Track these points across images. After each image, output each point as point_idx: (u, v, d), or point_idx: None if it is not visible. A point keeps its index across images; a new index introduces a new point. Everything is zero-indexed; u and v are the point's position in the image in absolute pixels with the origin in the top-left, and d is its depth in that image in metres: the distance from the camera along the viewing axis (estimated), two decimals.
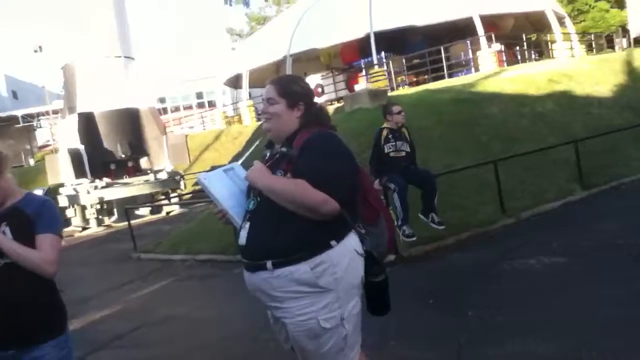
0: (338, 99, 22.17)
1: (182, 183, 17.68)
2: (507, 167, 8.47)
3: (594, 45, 28.57)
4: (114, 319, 6.31)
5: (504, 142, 10.05)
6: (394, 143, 6.46)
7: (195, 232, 9.81)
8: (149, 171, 17.41)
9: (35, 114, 41.67)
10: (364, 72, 22.97)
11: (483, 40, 21.11)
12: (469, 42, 21.54)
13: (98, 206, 15.73)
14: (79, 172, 15.76)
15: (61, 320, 2.48)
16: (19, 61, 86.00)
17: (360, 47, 23.73)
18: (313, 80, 24.16)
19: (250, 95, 28.49)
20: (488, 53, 20.56)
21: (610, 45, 30.16)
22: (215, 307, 6.18)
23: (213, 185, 2.37)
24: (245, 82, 27.40)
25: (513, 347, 3.85)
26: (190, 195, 16.45)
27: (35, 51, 38.87)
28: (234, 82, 30.16)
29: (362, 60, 23.64)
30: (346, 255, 2.20)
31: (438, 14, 21.74)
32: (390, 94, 15.82)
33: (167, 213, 16.13)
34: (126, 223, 11.44)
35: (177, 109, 43.73)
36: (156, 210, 16.24)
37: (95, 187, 15.73)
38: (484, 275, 5.64)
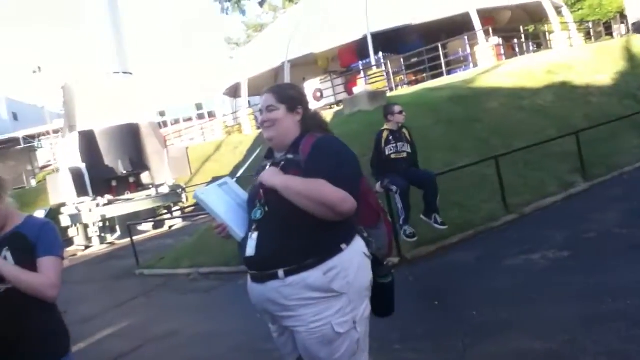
0: (337, 102, 22.12)
1: (184, 196, 17.65)
2: (508, 163, 8.37)
3: (592, 34, 28.42)
4: (117, 337, 6.24)
5: (504, 137, 9.96)
6: (394, 144, 6.41)
7: (198, 245, 9.75)
8: (150, 186, 17.40)
9: (36, 134, 41.86)
10: (362, 74, 22.92)
11: (480, 35, 21.00)
12: (466, 37, 21.43)
13: (100, 224, 15.71)
14: (81, 191, 15.76)
15: (64, 344, 2.44)
16: (19, 83, 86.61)
17: (357, 49, 23.69)
18: (312, 84, 24.12)
19: (249, 104, 28.50)
20: (486, 47, 20.43)
21: (609, 32, 30.00)
22: (220, 320, 6.11)
23: (211, 200, 2.36)
24: (244, 90, 27.41)
25: (519, 344, 3.79)
26: (192, 208, 16.40)
27: (34, 72, 39.05)
28: (233, 92, 30.19)
29: (360, 62, 23.60)
30: (356, 258, 2.21)
31: (434, 11, 21.65)
32: (389, 94, 15.75)
33: (170, 227, 16.08)
34: (129, 239, 11.40)
35: (177, 122, 43.79)
36: (159, 224, 16.20)
37: (97, 205, 15.71)
38: (488, 274, 5.56)
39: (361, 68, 23.28)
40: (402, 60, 22.41)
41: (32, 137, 41.78)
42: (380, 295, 2.36)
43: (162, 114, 43.20)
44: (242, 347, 4.95)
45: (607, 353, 3.38)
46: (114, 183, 16.74)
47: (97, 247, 15.48)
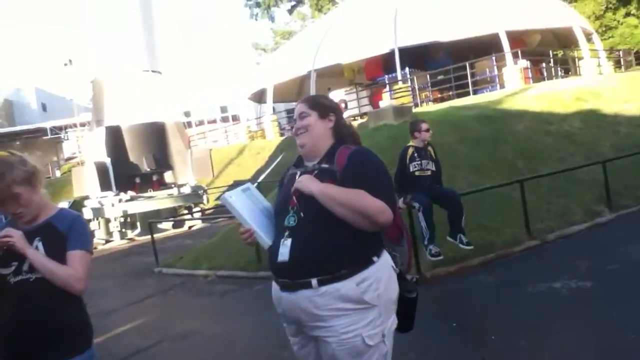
0: (361, 115, 22.17)
1: (205, 197, 17.78)
2: (533, 187, 8.33)
3: (622, 62, 28.18)
4: (135, 333, 6.32)
5: (529, 160, 9.90)
6: (419, 162, 6.41)
7: (216, 248, 9.82)
8: (172, 185, 17.56)
9: (63, 126, 42.48)
10: (387, 88, 22.96)
11: (509, 57, 20.97)
12: (494, 58, 21.40)
13: (122, 219, 15.88)
14: (105, 185, 15.95)
15: (88, 336, 2.48)
16: (49, 74, 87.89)
17: (384, 63, 23.74)
18: (337, 95, 24.20)
19: (274, 110, 28.67)
20: (514, 70, 20.38)
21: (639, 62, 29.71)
22: (235, 324, 6.15)
23: (238, 204, 2.37)
24: (269, 96, 27.57)
25: None
26: (213, 210, 16.50)
27: (65, 64, 39.66)
28: (258, 97, 30.38)
29: (386, 76, 23.65)
30: (386, 271, 2.24)
31: (463, 30, 21.63)
32: (414, 110, 15.76)
33: (190, 227, 16.20)
34: (149, 237, 11.51)
35: (201, 123, 44.16)
36: (179, 224, 16.33)
37: (120, 200, 15.88)
38: (508, 298, 5.53)
39: (387, 82, 23.33)
40: (428, 76, 22.44)
41: (60, 128, 42.42)
42: (404, 309, 2.37)
43: (187, 114, 43.59)
44: (255, 353, 4.99)
45: None
46: (137, 180, 16.91)
47: (117, 242, 15.65)
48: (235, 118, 43.01)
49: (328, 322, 2.16)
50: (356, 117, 22.21)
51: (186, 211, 17.18)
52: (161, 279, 9.43)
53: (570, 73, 25.00)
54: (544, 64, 23.05)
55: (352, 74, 26.80)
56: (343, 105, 23.33)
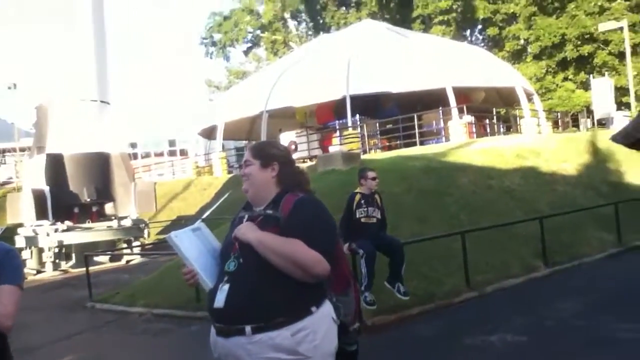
0: (311, 157, 22.35)
1: (146, 231, 17.31)
2: (474, 239, 8.53)
3: (560, 123, 29.68)
4: None
5: (471, 213, 10.18)
6: (365, 208, 6.46)
7: (155, 284, 9.53)
8: (113, 217, 17.01)
9: (1, 149, 40.93)
10: (337, 133, 23.31)
11: (455, 111, 21.74)
12: (441, 111, 22.15)
13: (56, 250, 15.24)
14: (41, 214, 15.31)
15: None
16: None
17: (335, 109, 24.14)
18: (287, 136, 24.39)
19: (223, 147, 28.53)
20: (459, 124, 21.14)
21: (576, 123, 31.36)
22: None
23: (184, 245, 2.33)
24: (219, 133, 27.48)
25: None
26: (153, 244, 16.07)
27: (9, 88, 38.46)
28: (209, 133, 30.23)
29: (337, 122, 24.03)
30: (324, 322, 2.20)
31: (412, 83, 22.38)
32: (362, 156, 16.02)
33: (127, 262, 15.66)
34: (83, 269, 11.07)
35: (147, 155, 43.46)
36: (116, 258, 15.78)
37: (56, 230, 15.26)
38: (445, 350, 5.59)
39: (337, 127, 23.70)
40: (377, 125, 22.97)
41: None
42: None
43: (133, 145, 42.81)
44: None
45: None
46: (76, 210, 16.29)
47: (49, 273, 14.94)
48: (183, 152, 42.54)
49: None
50: (305, 160, 22.38)
51: (125, 245, 16.64)
52: (94, 314, 9.05)
53: (511, 130, 26.13)
54: (487, 120, 24.01)
55: (303, 117, 27.11)
56: (293, 147, 23.48)
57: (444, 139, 21.47)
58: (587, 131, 23.56)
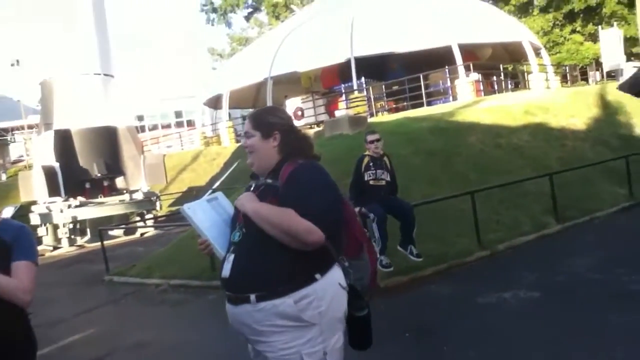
0: (318, 123, 22.27)
1: (158, 204, 17.46)
2: (484, 199, 8.55)
3: (568, 77, 29.27)
4: (84, 344, 6.15)
5: (480, 172, 10.16)
6: (374, 171, 6.48)
7: (169, 256, 9.66)
8: (124, 191, 17.16)
9: (9, 128, 41.04)
10: (343, 97, 23.14)
11: (461, 70, 21.47)
12: (447, 70, 21.88)
13: (71, 225, 15.43)
14: (53, 190, 15.46)
15: (32, 350, 2.40)
16: None
17: (340, 72, 23.93)
18: (293, 103, 24.26)
19: (230, 116, 28.43)
20: (466, 82, 20.90)
21: (584, 77, 30.92)
22: (187, 334, 6.05)
23: (196, 216, 2.36)
24: (225, 103, 27.35)
25: None
26: (166, 217, 16.23)
27: (12, 65, 38.34)
28: (214, 103, 30.10)
29: (342, 85, 23.84)
30: (330, 288, 2.20)
31: (418, 42, 22.04)
32: (369, 119, 15.94)
33: (142, 234, 15.88)
34: (99, 243, 11.23)
35: (155, 128, 43.41)
36: (130, 231, 15.98)
37: (69, 206, 15.44)
38: (459, 309, 5.64)
39: (343, 91, 23.52)
40: (383, 87, 22.76)
41: (6, 130, 40.94)
42: (356, 328, 2.35)
43: (140, 118, 42.76)
44: None
45: None
46: (87, 185, 16.43)
47: (65, 249, 15.18)
48: (190, 123, 42.45)
49: (268, 337, 2.17)
50: (312, 126, 22.30)
51: (138, 218, 16.82)
52: (112, 287, 9.21)
53: (519, 86, 25.82)
54: (494, 77, 23.71)
55: (309, 82, 26.90)
56: (300, 113, 23.38)
57: (451, 98, 21.25)
58: (596, 84, 23.23)
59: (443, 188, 9.13)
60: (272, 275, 2.13)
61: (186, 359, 5.23)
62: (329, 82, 25.48)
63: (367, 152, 6.60)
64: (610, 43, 26.13)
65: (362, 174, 6.47)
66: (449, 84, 22.07)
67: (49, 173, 15.53)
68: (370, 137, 6.56)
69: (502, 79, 24.10)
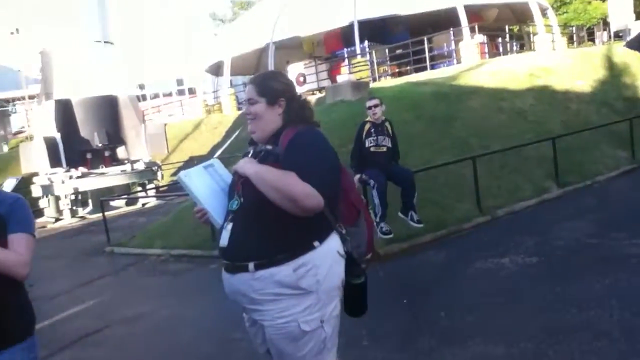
0: (320, 89, 22.03)
1: (159, 174, 17.43)
2: (485, 164, 8.47)
3: (575, 38, 28.72)
4: (85, 316, 6.19)
5: (482, 137, 10.05)
6: (375, 137, 6.42)
7: (171, 226, 9.67)
8: (126, 161, 17.11)
9: (10, 98, 40.89)
10: (346, 62, 22.83)
11: (466, 32, 21.07)
12: (452, 32, 21.46)
13: (72, 197, 15.45)
14: (54, 161, 15.45)
15: (30, 323, 2.38)
16: None
17: (343, 36, 23.57)
18: (295, 68, 23.94)
19: (231, 84, 28.15)
20: (471, 44, 20.50)
21: (591, 38, 30.33)
22: (189, 305, 6.08)
23: (193, 183, 2.32)
24: (227, 69, 27.04)
25: (483, 349, 3.86)
26: (167, 186, 16.23)
27: (12, 33, 37.95)
28: (216, 69, 29.79)
29: (345, 50, 23.47)
30: (328, 256, 2.19)
31: (422, 3, 21.64)
32: (372, 84, 15.75)
33: (143, 205, 15.88)
34: (100, 215, 11.25)
35: (156, 96, 43.09)
36: (132, 201, 15.99)
37: (70, 177, 15.42)
38: (458, 275, 5.64)
39: (346, 56, 23.17)
40: (387, 50, 22.39)
41: (7, 101, 40.83)
42: (352, 295, 2.35)
43: (141, 87, 42.41)
44: (209, 334, 4.95)
45: None
46: (88, 156, 16.41)
47: (67, 220, 15.24)
48: (191, 91, 42.10)
49: (264, 306, 2.16)
50: (314, 92, 22.08)
51: (140, 188, 16.82)
52: (113, 258, 9.25)
53: (525, 48, 25.35)
54: (500, 39, 23.30)
55: (311, 47, 26.53)
56: (302, 79, 23.12)
57: (455, 61, 20.89)
58: (602, 45, 22.80)
59: (444, 154, 9.05)
60: (271, 244, 2.11)
61: (185, 329, 5.24)
62: (332, 47, 25.10)
63: (368, 119, 6.52)
64: (618, 1, 25.48)
65: (363, 141, 6.41)
66: (453, 46, 21.66)
67: (50, 144, 15.50)
68: (369, 103, 6.48)
69: (508, 40, 23.69)
